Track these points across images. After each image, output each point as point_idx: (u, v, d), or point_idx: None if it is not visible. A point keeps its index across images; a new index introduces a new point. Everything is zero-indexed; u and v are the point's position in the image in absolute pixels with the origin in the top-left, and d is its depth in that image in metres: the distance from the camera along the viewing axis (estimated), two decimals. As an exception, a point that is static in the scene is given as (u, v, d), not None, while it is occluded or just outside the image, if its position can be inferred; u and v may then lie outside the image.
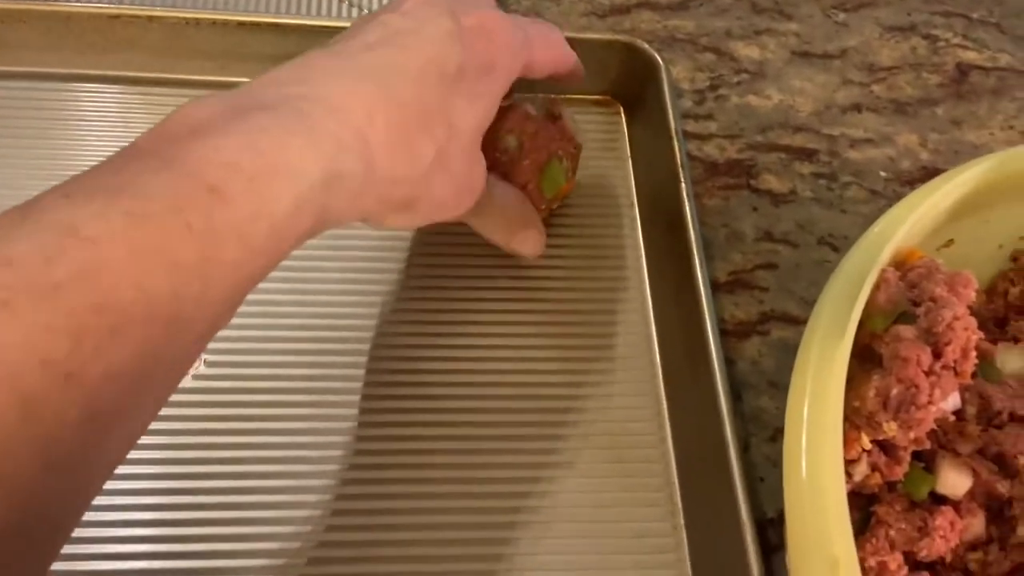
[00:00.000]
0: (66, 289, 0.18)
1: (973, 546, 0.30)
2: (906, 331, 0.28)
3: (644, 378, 0.37)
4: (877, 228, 0.31)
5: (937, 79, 0.52)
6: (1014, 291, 0.36)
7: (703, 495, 0.34)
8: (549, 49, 0.34)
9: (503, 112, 0.37)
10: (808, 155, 0.48)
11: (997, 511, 0.29)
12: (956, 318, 0.28)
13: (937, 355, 0.28)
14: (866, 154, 0.48)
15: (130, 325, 0.19)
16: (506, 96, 0.35)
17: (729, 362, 0.40)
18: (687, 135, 0.48)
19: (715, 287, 0.42)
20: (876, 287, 0.29)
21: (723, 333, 0.41)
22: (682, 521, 0.34)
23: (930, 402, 0.27)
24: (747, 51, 0.52)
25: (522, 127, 0.37)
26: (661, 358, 0.38)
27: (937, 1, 0.55)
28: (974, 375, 0.31)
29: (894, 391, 0.27)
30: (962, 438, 0.30)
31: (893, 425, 0.27)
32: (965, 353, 0.28)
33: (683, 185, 0.39)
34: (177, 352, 0.21)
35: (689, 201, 0.39)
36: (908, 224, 0.30)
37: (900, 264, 0.31)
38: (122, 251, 0.19)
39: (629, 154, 0.44)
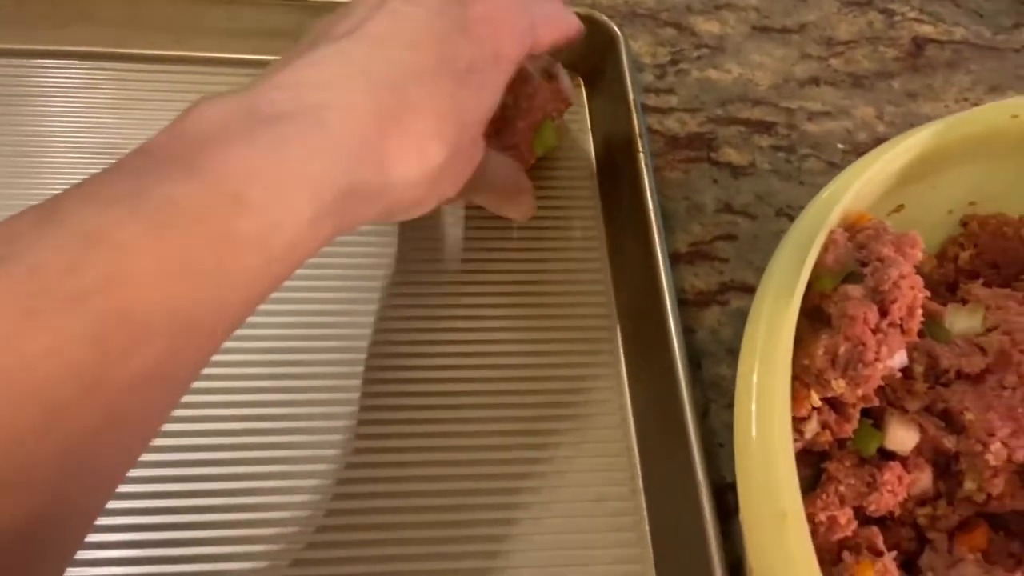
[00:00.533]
0: (91, 298, 0.18)
1: (922, 501, 0.30)
2: (854, 290, 0.28)
3: (604, 347, 0.38)
4: (826, 193, 0.31)
5: (894, 53, 0.53)
6: (964, 255, 0.37)
7: (662, 460, 0.34)
8: (552, 26, 0.33)
9: None
10: (767, 128, 0.48)
11: (944, 467, 0.30)
12: (902, 276, 0.28)
13: (884, 313, 0.28)
14: (824, 127, 0.49)
15: (152, 333, 0.19)
16: None
17: (689, 331, 0.40)
18: (648, 109, 0.48)
19: (675, 258, 0.43)
20: (825, 248, 0.29)
21: (683, 303, 0.41)
22: (641, 485, 0.35)
23: (877, 359, 0.28)
24: (707, 26, 0.52)
25: (521, 88, 0.38)
26: (621, 327, 0.38)
27: (894, -24, 0.56)
28: (922, 335, 0.32)
29: (842, 349, 0.28)
30: (910, 396, 0.30)
31: (841, 382, 0.28)
32: (911, 311, 0.28)
33: (641, 156, 0.40)
34: (194, 356, 0.21)
35: (648, 172, 0.39)
36: (856, 188, 0.30)
37: (850, 227, 0.31)
38: (146, 260, 0.19)
39: (589, 126, 0.44)
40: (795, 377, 0.29)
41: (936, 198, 0.36)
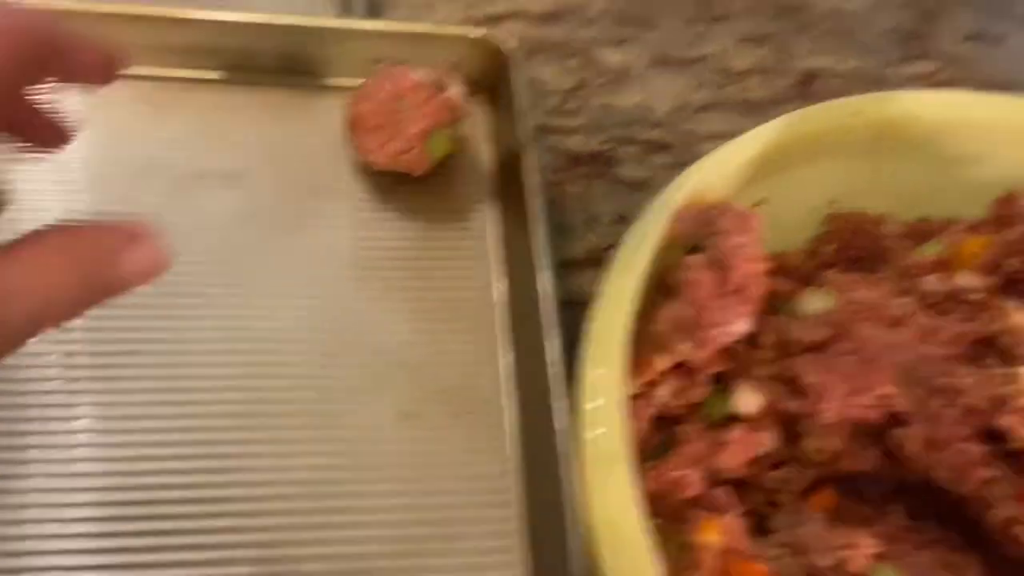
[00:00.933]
0: None
1: (773, 466, 0.31)
2: (696, 259, 0.30)
3: (487, 339, 0.39)
4: (680, 179, 0.33)
5: (786, 82, 0.56)
6: (828, 250, 0.39)
7: (536, 446, 0.35)
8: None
9: (396, 77, 0.40)
10: (663, 147, 0.51)
11: (792, 432, 0.31)
12: (740, 245, 0.30)
13: (723, 280, 0.30)
14: (717, 147, 0.51)
15: None
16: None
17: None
18: (552, 130, 0.51)
19: (571, 264, 0.45)
20: (674, 224, 0.31)
21: (577, 305, 0.43)
22: (514, 466, 0.36)
23: (718, 323, 0.30)
24: (612, 57, 0.55)
25: (413, 95, 0.40)
26: (511, 322, 0.40)
27: (789, 15, 0.60)
28: (776, 312, 0.34)
29: (684, 313, 0.30)
30: (758, 364, 0.32)
31: (685, 346, 0.30)
32: (749, 278, 0.30)
33: (530, 168, 0.41)
34: None
35: (535, 184, 0.41)
36: (706, 170, 0.33)
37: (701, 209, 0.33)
38: None
39: (488, 140, 0.46)
40: (644, 344, 0.31)
41: (799, 195, 0.38)
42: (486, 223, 0.43)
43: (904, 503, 0.31)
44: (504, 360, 0.39)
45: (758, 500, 0.31)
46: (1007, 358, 0.29)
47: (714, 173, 0.33)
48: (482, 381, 0.38)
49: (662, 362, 0.30)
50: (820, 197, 0.39)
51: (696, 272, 0.30)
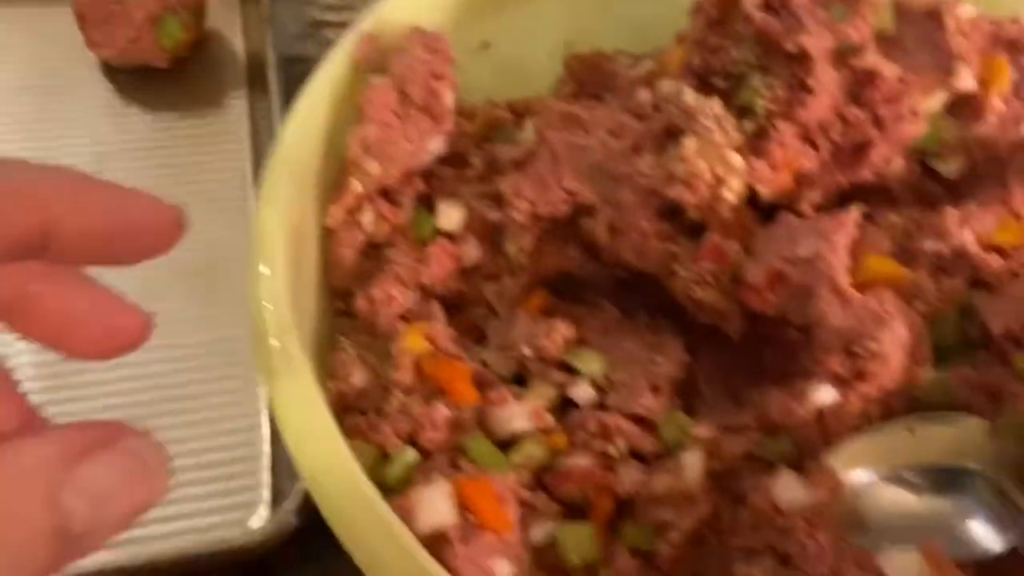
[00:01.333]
0: None
1: (489, 279, 0.32)
2: (377, 79, 0.30)
3: (235, 216, 0.39)
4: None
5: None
6: (568, 91, 0.39)
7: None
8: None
9: None
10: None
11: (501, 244, 0.32)
12: (424, 62, 0.30)
13: (406, 98, 0.30)
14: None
15: None
16: None
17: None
18: (328, 25, 0.51)
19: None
20: (360, 49, 0.31)
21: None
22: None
23: (405, 139, 0.30)
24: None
25: None
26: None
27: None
28: (488, 140, 0.34)
29: (370, 132, 0.30)
30: (465, 184, 0.32)
31: (374, 164, 0.30)
32: (432, 93, 0.30)
33: (269, 52, 0.42)
34: None
35: (274, 67, 0.41)
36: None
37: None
38: None
39: (240, 33, 0.46)
40: (343, 172, 0.31)
41: (531, 38, 0.39)
42: (239, 113, 0.43)
43: (616, 302, 0.32)
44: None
45: (478, 314, 0.32)
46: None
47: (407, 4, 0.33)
48: (227, 254, 0.38)
49: (355, 185, 0.30)
50: (555, 39, 0.39)
51: (378, 91, 0.30)
